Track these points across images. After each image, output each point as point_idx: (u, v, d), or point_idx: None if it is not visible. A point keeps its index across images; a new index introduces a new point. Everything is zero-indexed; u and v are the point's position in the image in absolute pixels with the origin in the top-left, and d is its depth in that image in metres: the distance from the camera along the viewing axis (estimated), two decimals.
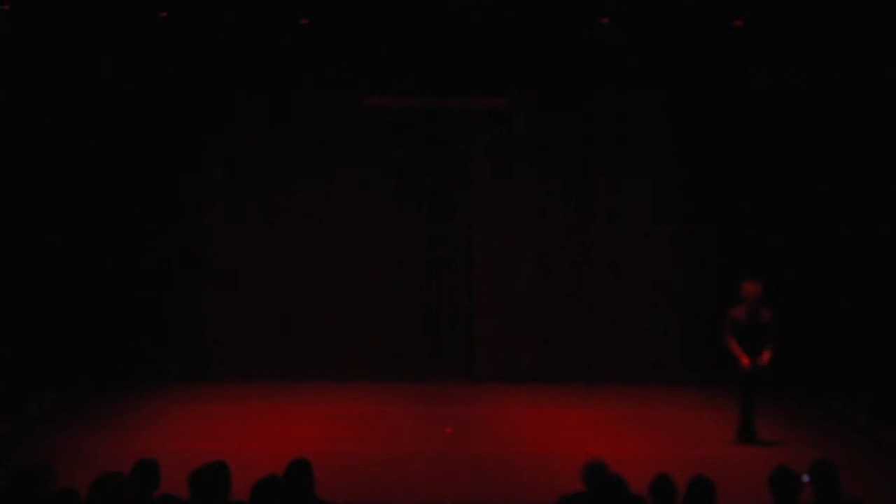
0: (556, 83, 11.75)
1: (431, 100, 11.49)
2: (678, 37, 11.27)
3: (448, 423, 9.95)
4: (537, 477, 8.06)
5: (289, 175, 11.89)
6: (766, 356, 9.04)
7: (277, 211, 11.91)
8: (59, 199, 11.42)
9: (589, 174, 11.98)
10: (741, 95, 11.52)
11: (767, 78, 11.37)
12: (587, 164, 11.97)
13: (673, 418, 10.25)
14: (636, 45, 11.43)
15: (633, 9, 10.83)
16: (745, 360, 9.05)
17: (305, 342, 11.97)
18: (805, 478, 4.93)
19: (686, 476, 4.93)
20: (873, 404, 10.22)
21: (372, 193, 12.01)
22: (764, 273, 11.37)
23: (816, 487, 4.97)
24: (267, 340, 11.73)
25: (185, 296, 11.65)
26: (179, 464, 5.12)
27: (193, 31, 11.26)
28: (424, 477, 8.19)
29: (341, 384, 11.64)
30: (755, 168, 11.64)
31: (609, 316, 12.02)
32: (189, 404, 10.64)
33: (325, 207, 12.01)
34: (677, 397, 10.91)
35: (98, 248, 11.67)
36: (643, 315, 11.92)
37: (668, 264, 11.85)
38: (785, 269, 11.55)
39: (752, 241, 11.62)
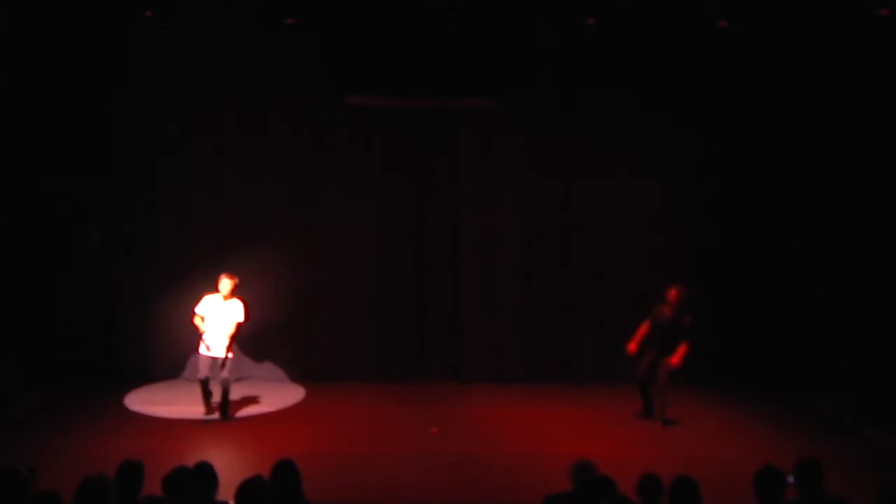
0: (544, 83, 11.77)
1: (415, 100, 11.47)
2: (666, 36, 11.30)
3: (434, 423, 9.95)
4: (523, 477, 8.07)
5: (271, 175, 11.85)
6: (675, 359, 9.62)
7: (260, 211, 11.86)
8: (47, 199, 11.41)
9: (576, 175, 11.99)
10: (729, 96, 11.57)
11: (755, 79, 11.43)
12: (574, 164, 11.98)
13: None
14: (623, 44, 11.46)
15: (620, 9, 10.85)
16: (632, 348, 9.86)
17: (291, 343, 11.94)
18: (790, 478, 4.95)
19: (672, 476, 4.95)
20: (858, 404, 10.31)
21: (355, 193, 11.98)
22: (752, 272, 11.54)
23: (801, 485, 4.99)
24: (252, 341, 11.67)
25: (169, 297, 11.55)
26: (165, 465, 5.11)
27: (178, 29, 11.22)
28: (411, 477, 8.19)
29: (327, 384, 11.62)
30: (743, 169, 11.70)
31: (595, 316, 12.05)
32: (174, 405, 10.59)
33: (308, 208, 11.98)
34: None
35: (82, 248, 11.65)
36: (629, 315, 11.93)
37: (653, 264, 11.86)
38: (770, 271, 11.63)
39: (741, 240, 11.68)
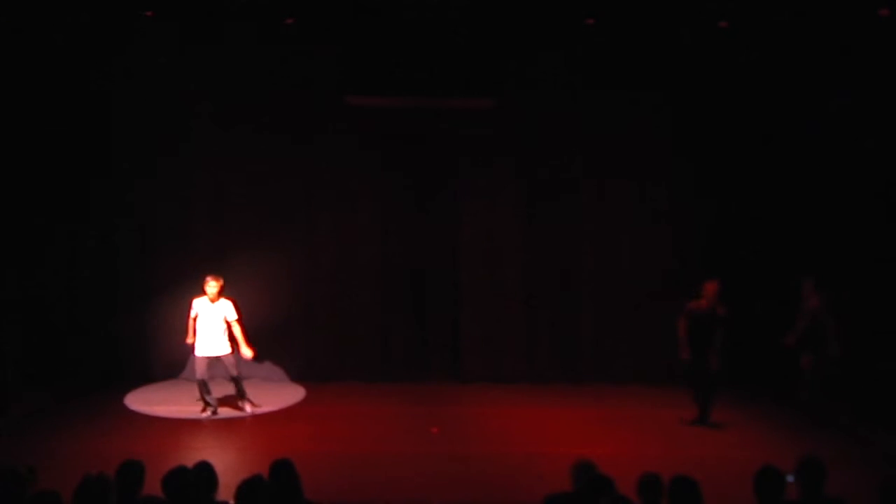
0: (544, 83, 11.77)
1: (416, 100, 11.47)
2: (667, 36, 11.31)
3: (434, 422, 9.96)
4: (523, 477, 8.07)
5: (271, 175, 11.84)
6: (714, 363, 9.68)
7: (260, 210, 11.85)
8: (47, 199, 11.42)
9: (574, 176, 11.99)
10: (727, 97, 11.57)
11: (756, 79, 11.44)
12: (573, 166, 11.98)
13: (658, 418, 10.28)
14: (624, 44, 11.47)
15: (619, 9, 10.85)
16: (685, 355, 9.73)
17: (291, 343, 11.94)
18: (789, 477, 4.95)
19: (672, 476, 4.95)
20: (859, 404, 10.31)
21: (355, 195, 11.98)
22: (749, 273, 11.54)
23: (803, 484, 4.98)
24: (253, 342, 11.65)
25: (169, 297, 11.53)
26: (165, 465, 5.10)
27: (178, 30, 11.22)
28: (411, 477, 8.19)
29: (327, 384, 11.64)
30: (743, 167, 11.70)
31: (595, 316, 12.05)
32: (174, 405, 10.59)
33: (308, 207, 11.97)
34: (663, 397, 10.95)
35: (82, 248, 11.66)
36: (628, 315, 11.95)
37: (652, 265, 11.88)
38: (769, 271, 11.62)
39: (739, 241, 11.68)
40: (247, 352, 10.10)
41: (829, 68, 10.93)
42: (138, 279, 11.78)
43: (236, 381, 10.23)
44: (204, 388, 10.08)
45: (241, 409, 10.32)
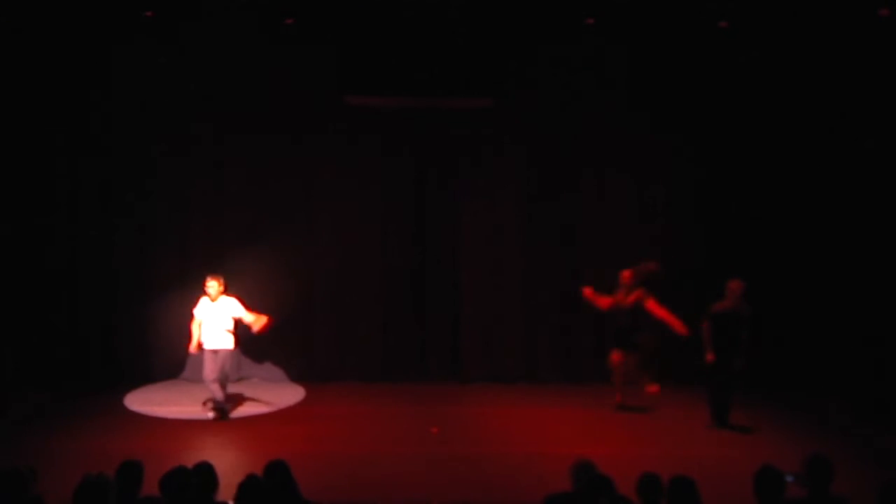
0: (544, 83, 11.77)
1: (416, 100, 11.47)
2: (666, 36, 11.31)
3: (434, 422, 9.95)
4: (523, 477, 8.06)
5: (271, 175, 11.83)
6: (737, 362, 9.58)
7: (260, 210, 11.84)
8: (47, 199, 11.42)
9: (574, 176, 11.99)
10: (726, 97, 11.58)
11: (756, 79, 11.43)
12: (573, 165, 11.98)
13: (658, 418, 10.27)
14: (624, 44, 11.47)
15: (619, 9, 10.85)
16: (710, 357, 9.62)
17: (291, 343, 11.94)
18: (789, 477, 4.95)
19: (672, 475, 4.95)
20: (857, 404, 10.31)
21: (355, 193, 11.98)
22: (749, 273, 11.53)
23: (810, 482, 4.98)
24: (252, 342, 11.66)
25: (169, 297, 11.54)
26: (165, 465, 5.11)
27: (178, 30, 11.23)
28: (410, 477, 8.18)
29: (327, 384, 11.64)
30: (742, 167, 11.69)
31: (595, 316, 12.02)
32: (174, 405, 10.59)
33: (308, 207, 11.97)
34: (663, 396, 10.93)
35: (82, 249, 11.66)
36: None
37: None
38: (770, 269, 11.62)
39: (739, 241, 11.68)
40: (260, 319, 10.06)
41: (829, 68, 10.93)
42: (138, 279, 11.76)
43: (220, 382, 10.14)
44: (219, 387, 10.02)
45: (205, 409, 10.23)
